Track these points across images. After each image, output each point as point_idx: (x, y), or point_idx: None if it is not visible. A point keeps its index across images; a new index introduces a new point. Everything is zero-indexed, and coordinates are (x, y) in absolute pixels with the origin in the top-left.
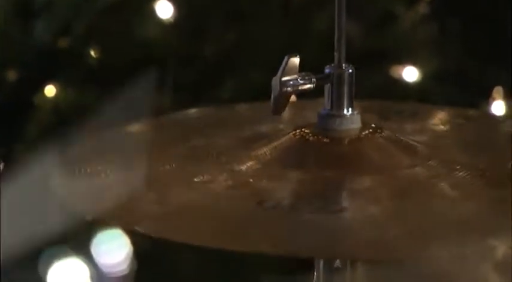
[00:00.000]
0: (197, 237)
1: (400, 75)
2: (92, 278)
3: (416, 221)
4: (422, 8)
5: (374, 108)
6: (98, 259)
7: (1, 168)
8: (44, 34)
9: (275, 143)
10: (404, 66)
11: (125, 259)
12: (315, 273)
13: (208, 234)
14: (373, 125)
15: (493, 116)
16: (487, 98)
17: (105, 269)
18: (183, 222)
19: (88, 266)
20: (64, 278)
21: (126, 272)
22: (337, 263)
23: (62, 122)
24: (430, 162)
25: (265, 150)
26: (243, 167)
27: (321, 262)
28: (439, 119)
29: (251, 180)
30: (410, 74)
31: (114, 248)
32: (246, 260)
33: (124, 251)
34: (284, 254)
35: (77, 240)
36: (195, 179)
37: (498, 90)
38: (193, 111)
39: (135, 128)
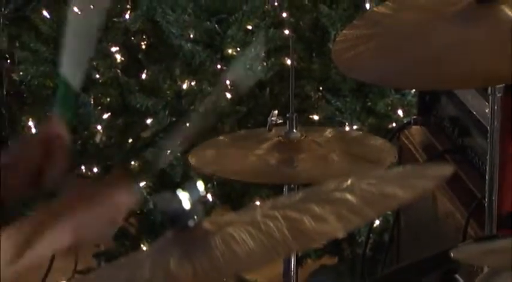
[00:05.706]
0: (233, 175)
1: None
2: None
3: (322, 165)
4: None
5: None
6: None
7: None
8: None
9: (269, 142)
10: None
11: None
12: (283, 194)
13: (240, 173)
14: (304, 135)
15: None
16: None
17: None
18: (227, 170)
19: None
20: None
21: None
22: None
23: None
24: (324, 146)
25: (265, 145)
26: (256, 151)
27: (286, 189)
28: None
29: (261, 154)
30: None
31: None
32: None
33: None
34: (270, 182)
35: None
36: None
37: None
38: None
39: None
